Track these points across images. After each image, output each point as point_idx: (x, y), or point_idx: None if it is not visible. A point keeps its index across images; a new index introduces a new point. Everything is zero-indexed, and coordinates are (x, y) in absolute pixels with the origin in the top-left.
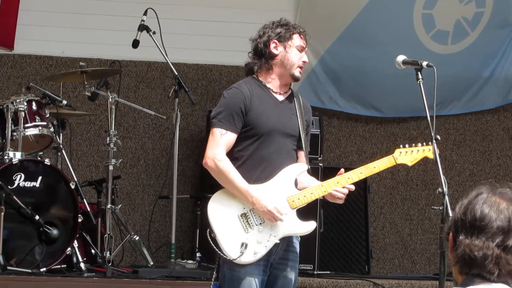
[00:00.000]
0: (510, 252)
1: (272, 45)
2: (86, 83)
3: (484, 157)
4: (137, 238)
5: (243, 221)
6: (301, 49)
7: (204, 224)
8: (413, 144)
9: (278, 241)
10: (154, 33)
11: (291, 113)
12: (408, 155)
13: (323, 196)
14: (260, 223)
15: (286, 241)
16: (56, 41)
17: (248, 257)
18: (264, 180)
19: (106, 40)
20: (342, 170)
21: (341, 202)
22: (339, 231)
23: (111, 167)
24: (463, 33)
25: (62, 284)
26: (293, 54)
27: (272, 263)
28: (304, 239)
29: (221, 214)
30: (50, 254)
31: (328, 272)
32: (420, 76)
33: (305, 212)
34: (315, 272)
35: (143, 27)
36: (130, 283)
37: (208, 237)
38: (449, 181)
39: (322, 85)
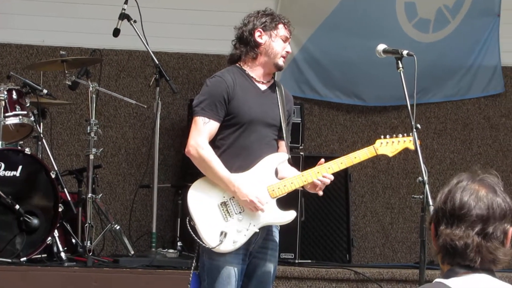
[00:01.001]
0: (491, 239)
1: (257, 34)
2: (66, 72)
3: (465, 145)
4: (118, 227)
5: (223, 209)
6: (285, 39)
7: (185, 213)
8: (394, 135)
9: (258, 230)
10: (135, 21)
11: (273, 103)
12: (389, 146)
13: (303, 187)
14: (240, 212)
15: (266, 230)
16: (36, 30)
17: (227, 246)
18: (244, 169)
19: (86, 29)
20: (322, 160)
21: (320, 193)
22: (320, 220)
23: (91, 156)
24: (444, 21)
25: (43, 273)
26: (277, 43)
27: (252, 252)
28: (285, 228)
29: (201, 202)
30: (30, 243)
31: (309, 261)
32: (400, 65)
33: (286, 201)
34: (296, 261)
35: (124, 16)
36: (110, 273)
37: (188, 225)
38: (429, 169)
39: (303, 75)
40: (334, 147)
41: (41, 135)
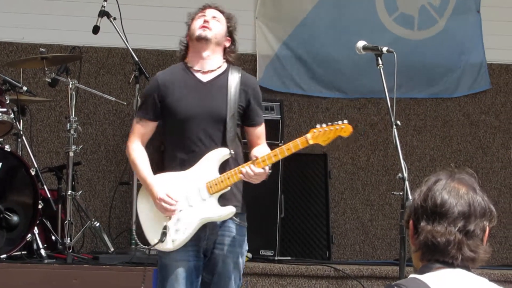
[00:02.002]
0: (472, 237)
1: (188, 35)
2: (46, 69)
3: (445, 142)
4: (98, 224)
5: None
6: (200, 17)
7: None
8: (330, 123)
9: (198, 229)
10: (114, 19)
11: (218, 93)
12: (321, 135)
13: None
14: (180, 210)
15: (216, 225)
16: (16, 27)
17: (167, 245)
18: (188, 166)
19: (66, 26)
20: (256, 155)
21: (255, 182)
22: (299, 217)
23: (71, 154)
24: (430, 19)
25: (22, 270)
26: (192, 24)
27: (208, 248)
28: (265, 225)
29: (146, 203)
30: (10, 240)
31: (289, 258)
32: (380, 62)
33: (265, 197)
34: (276, 258)
35: (103, 13)
36: (90, 269)
37: (133, 227)
38: (409, 166)
39: (286, 70)
40: (314, 144)
41: (21, 132)
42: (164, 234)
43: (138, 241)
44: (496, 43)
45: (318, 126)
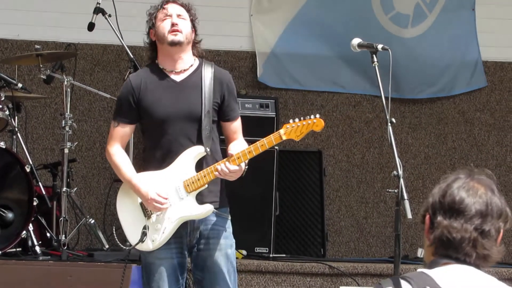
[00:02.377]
0: (487, 236)
1: (151, 34)
2: (41, 66)
3: (440, 140)
4: (93, 221)
5: (144, 208)
6: (165, 16)
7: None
8: (302, 118)
9: (179, 226)
10: (109, 16)
11: (192, 92)
12: (293, 131)
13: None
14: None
15: (199, 220)
16: (11, 24)
17: (147, 245)
18: (165, 166)
19: (61, 23)
20: (231, 152)
21: (231, 179)
22: (294, 214)
23: (66, 150)
24: (422, 15)
25: (17, 267)
26: (159, 27)
27: (192, 245)
28: (260, 223)
29: (125, 203)
30: (5, 237)
31: (284, 255)
32: (375, 59)
33: (259, 195)
34: (271, 255)
35: (98, 10)
36: (85, 266)
37: (113, 227)
38: (404, 164)
39: (283, 65)
40: (309, 142)
41: (16, 129)
42: (144, 234)
43: (118, 241)
44: (491, 40)
45: (291, 121)
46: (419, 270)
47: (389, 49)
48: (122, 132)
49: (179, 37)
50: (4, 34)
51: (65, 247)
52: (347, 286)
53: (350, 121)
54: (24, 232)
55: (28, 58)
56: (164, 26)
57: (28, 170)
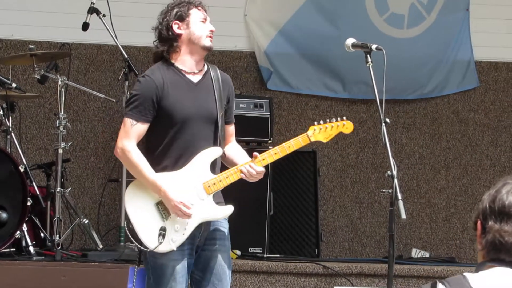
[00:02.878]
0: None
1: (175, 26)
2: (35, 66)
3: (434, 140)
4: (87, 221)
5: (161, 209)
6: (204, 20)
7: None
8: (328, 120)
9: (195, 227)
10: (104, 15)
11: (208, 94)
12: (322, 132)
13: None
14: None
15: (210, 222)
16: (5, 24)
17: (166, 246)
18: (180, 168)
19: (55, 23)
20: (256, 153)
21: (253, 180)
22: (288, 214)
23: (60, 150)
24: (419, 17)
25: (11, 267)
26: (197, 27)
27: (199, 245)
28: (254, 223)
29: (137, 204)
30: None
31: (278, 255)
32: (369, 59)
33: (253, 196)
34: (265, 255)
35: (93, 10)
36: (79, 267)
37: (126, 228)
38: (398, 164)
39: (274, 67)
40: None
41: (10, 129)
42: (162, 235)
43: (136, 243)
44: (485, 41)
45: (316, 123)
46: (464, 273)
47: (383, 49)
48: (141, 130)
49: (213, 43)
50: None
51: (59, 247)
52: (341, 286)
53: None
54: (18, 232)
55: (22, 57)
56: (203, 29)
57: (22, 170)
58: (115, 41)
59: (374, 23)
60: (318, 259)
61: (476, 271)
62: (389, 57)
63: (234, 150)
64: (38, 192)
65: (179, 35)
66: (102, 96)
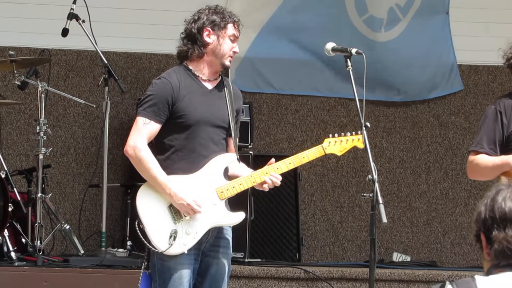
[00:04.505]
0: None
1: (205, 33)
2: (15, 72)
3: (414, 144)
4: (68, 227)
5: (172, 212)
6: (234, 39)
7: (134, 212)
8: (342, 133)
9: (207, 231)
10: (83, 21)
11: (221, 102)
12: (337, 145)
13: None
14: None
15: (217, 228)
16: None
17: (177, 249)
18: (192, 171)
19: (35, 28)
20: (273, 160)
21: (266, 189)
22: (269, 219)
23: (41, 156)
24: (395, 19)
25: None
26: (225, 44)
27: (204, 251)
28: (235, 227)
29: (149, 205)
30: None
31: (259, 260)
32: (349, 63)
33: (234, 200)
34: (246, 260)
35: (72, 16)
36: (61, 272)
37: (137, 228)
38: (379, 168)
39: (256, 69)
40: (283, 146)
41: None
42: (173, 237)
43: (146, 243)
44: (465, 44)
45: (330, 135)
46: (475, 276)
47: (363, 53)
48: (153, 130)
49: (230, 64)
50: None
51: (41, 253)
52: None
53: (325, 126)
54: (0, 238)
55: (2, 64)
56: (229, 47)
57: (3, 176)
58: (94, 46)
59: (354, 24)
60: (299, 264)
61: (486, 274)
62: (370, 59)
63: (237, 164)
64: (19, 198)
65: (206, 43)
66: (82, 101)
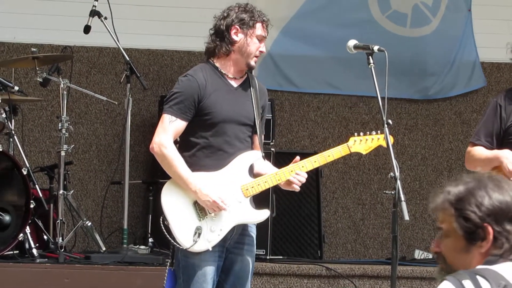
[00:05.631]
0: None
1: (233, 31)
2: (38, 69)
3: (436, 141)
4: (89, 223)
5: (197, 208)
6: (261, 39)
7: (156, 209)
8: (368, 132)
9: (231, 229)
10: (105, 18)
11: (246, 100)
12: (362, 144)
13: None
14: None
15: (242, 225)
16: (7, 27)
17: (201, 246)
18: (218, 169)
19: (57, 25)
20: (298, 158)
21: (297, 189)
22: (291, 216)
23: (63, 153)
24: (424, 18)
25: (15, 270)
26: (253, 43)
27: (228, 248)
28: (257, 224)
29: (174, 201)
30: (2, 240)
31: (281, 257)
32: (371, 61)
33: (257, 197)
34: (268, 257)
35: (94, 13)
36: (82, 269)
37: (162, 225)
38: (401, 165)
39: (279, 67)
40: (305, 143)
41: (13, 132)
42: (198, 234)
43: (171, 240)
44: (487, 41)
45: (356, 134)
46: (479, 267)
47: (385, 51)
48: (180, 127)
49: (256, 64)
50: (1, 37)
51: (62, 250)
52: None
53: (347, 123)
54: (21, 234)
55: (25, 61)
56: (256, 47)
57: (25, 173)
58: (116, 43)
59: (377, 20)
60: (320, 261)
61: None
62: (393, 54)
63: (263, 162)
64: (41, 195)
65: (233, 41)
66: (104, 98)
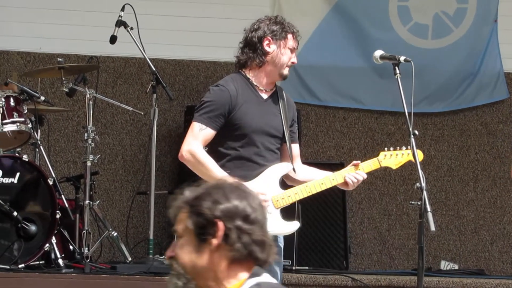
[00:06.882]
0: None
1: (266, 42)
2: (64, 79)
3: (462, 152)
4: (115, 234)
5: None
6: (293, 50)
7: None
8: (398, 147)
9: None
10: (131, 28)
11: (275, 112)
12: (392, 158)
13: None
14: None
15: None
16: (34, 37)
17: None
18: (248, 179)
19: (83, 36)
20: (358, 162)
21: (350, 187)
22: (317, 226)
23: (89, 163)
24: (445, 29)
25: (40, 280)
26: (285, 54)
27: None
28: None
29: None
30: (28, 250)
31: (307, 267)
32: (397, 71)
33: (282, 208)
34: (294, 268)
35: (120, 23)
36: (108, 279)
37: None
38: (427, 176)
39: (302, 80)
40: (331, 154)
41: (39, 142)
42: None
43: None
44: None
45: (386, 149)
46: (260, 281)
47: (411, 61)
48: (209, 136)
49: (288, 74)
50: (27, 47)
51: (88, 260)
52: None
53: (372, 133)
54: (47, 245)
55: (51, 71)
56: (288, 57)
57: (51, 183)
58: (142, 54)
59: (399, 33)
60: (346, 272)
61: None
62: (415, 67)
63: (306, 169)
64: (66, 205)
65: (266, 53)
66: (130, 109)
